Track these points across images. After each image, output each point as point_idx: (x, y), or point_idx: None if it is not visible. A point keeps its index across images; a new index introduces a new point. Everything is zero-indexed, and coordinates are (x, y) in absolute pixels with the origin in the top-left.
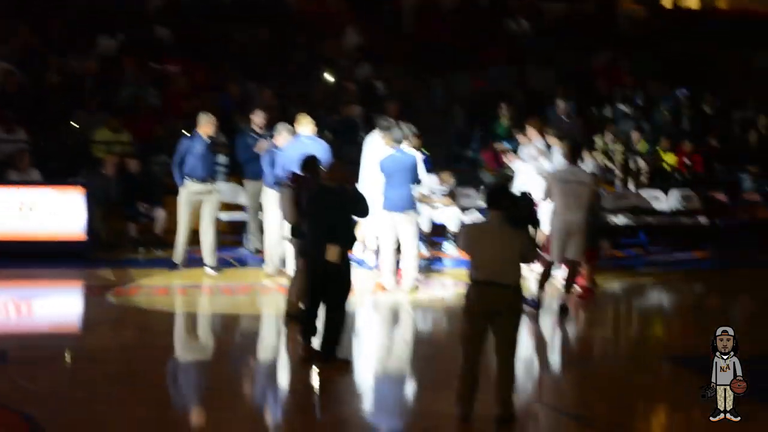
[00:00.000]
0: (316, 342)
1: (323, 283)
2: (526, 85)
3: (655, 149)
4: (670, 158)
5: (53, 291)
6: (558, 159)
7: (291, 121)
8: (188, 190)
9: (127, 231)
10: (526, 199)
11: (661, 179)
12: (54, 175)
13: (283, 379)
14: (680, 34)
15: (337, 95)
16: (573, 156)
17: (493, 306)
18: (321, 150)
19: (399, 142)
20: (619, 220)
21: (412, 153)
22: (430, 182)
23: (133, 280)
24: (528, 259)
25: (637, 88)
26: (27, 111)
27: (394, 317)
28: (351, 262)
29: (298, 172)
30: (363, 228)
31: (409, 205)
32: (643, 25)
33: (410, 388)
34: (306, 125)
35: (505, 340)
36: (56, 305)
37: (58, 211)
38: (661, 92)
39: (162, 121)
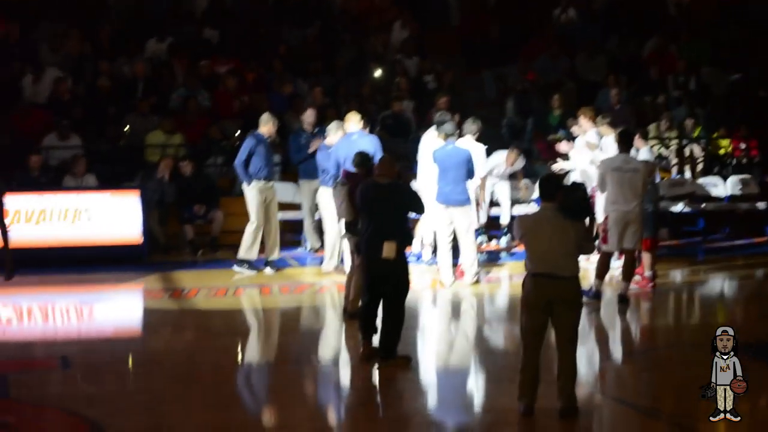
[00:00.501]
0: (375, 340)
1: (380, 281)
2: (576, 74)
3: (711, 135)
4: (725, 144)
5: (113, 295)
6: (611, 148)
7: (343, 119)
8: (257, 189)
9: (184, 234)
10: (580, 190)
11: (718, 165)
12: (109, 180)
13: (345, 378)
14: (730, 17)
15: (388, 91)
16: (624, 144)
17: (551, 298)
18: (371, 146)
19: (451, 135)
20: (677, 207)
21: (468, 147)
22: (495, 162)
23: (191, 282)
24: (584, 251)
25: (689, 74)
26: (80, 117)
27: (454, 312)
28: (407, 259)
29: (351, 169)
30: (420, 223)
31: (464, 198)
32: (692, 10)
33: (472, 384)
34: (355, 122)
35: (565, 333)
36: (116, 309)
37: (115, 216)
38: (715, 77)
39: (214, 122)
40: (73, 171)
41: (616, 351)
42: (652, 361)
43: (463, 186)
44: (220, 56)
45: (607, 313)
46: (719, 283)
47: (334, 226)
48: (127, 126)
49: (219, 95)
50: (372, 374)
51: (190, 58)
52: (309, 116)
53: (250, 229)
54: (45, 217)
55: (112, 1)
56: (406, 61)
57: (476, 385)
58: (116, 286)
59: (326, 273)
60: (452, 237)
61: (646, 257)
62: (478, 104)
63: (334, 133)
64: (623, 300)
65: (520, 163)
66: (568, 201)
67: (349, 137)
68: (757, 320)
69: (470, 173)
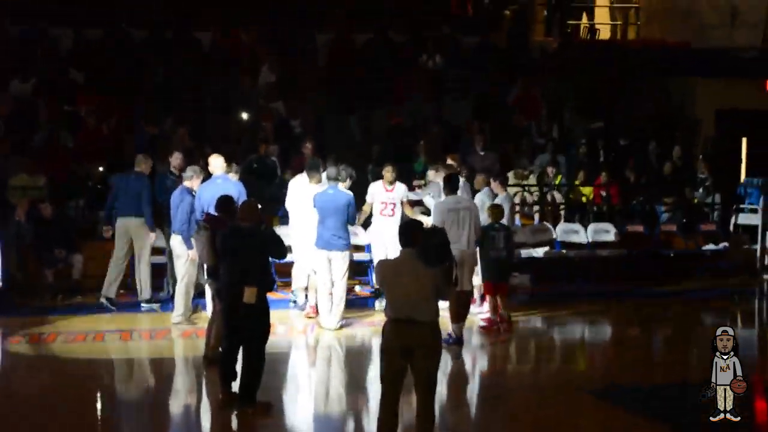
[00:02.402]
0: (235, 385)
1: (240, 326)
2: (442, 119)
3: (572, 182)
4: (586, 191)
5: None
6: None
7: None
8: None
9: (44, 277)
10: (439, 236)
11: (579, 212)
12: None
13: (204, 424)
14: (593, 66)
15: (254, 133)
16: (451, 187)
17: (410, 343)
18: (235, 190)
19: (333, 180)
20: (537, 253)
21: (347, 192)
22: (373, 191)
23: (50, 327)
24: (442, 295)
25: (552, 121)
26: None
27: (319, 357)
28: (268, 304)
29: (213, 213)
30: (296, 267)
31: (344, 243)
32: (555, 57)
33: (332, 429)
34: (219, 166)
35: (423, 378)
36: None
37: None
38: (576, 125)
39: (77, 163)
40: None
41: (476, 396)
42: (510, 405)
43: (343, 231)
44: (85, 96)
45: (466, 359)
46: (579, 329)
47: (183, 274)
48: None
49: (82, 136)
50: (231, 421)
51: (55, 98)
52: (176, 159)
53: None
54: None
55: None
56: (272, 105)
57: (336, 431)
58: None
59: (175, 323)
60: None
61: (490, 301)
62: (344, 148)
63: (192, 178)
64: (458, 341)
65: (402, 189)
66: (426, 246)
67: (213, 181)
68: (612, 366)
69: (351, 218)
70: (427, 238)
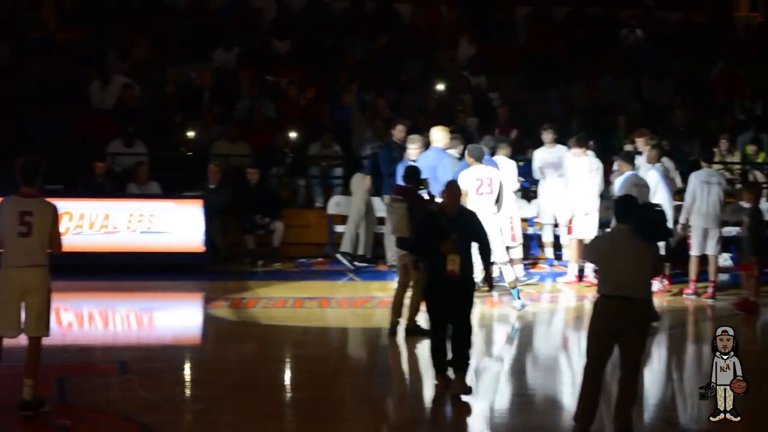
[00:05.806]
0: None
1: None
2: (641, 95)
3: None
4: None
5: (173, 303)
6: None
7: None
8: None
9: (245, 243)
10: (658, 212)
11: None
12: (173, 188)
13: (403, 392)
14: None
15: (451, 106)
16: (630, 164)
17: (623, 322)
18: (445, 164)
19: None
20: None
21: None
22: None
23: (251, 292)
24: (657, 272)
25: (756, 99)
26: (146, 124)
27: (515, 333)
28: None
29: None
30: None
31: None
32: (760, 33)
33: (530, 405)
34: (436, 138)
35: (631, 355)
36: (176, 317)
37: (177, 224)
38: None
39: (278, 133)
40: (137, 178)
41: (680, 375)
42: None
43: None
44: (286, 67)
45: (670, 336)
46: None
47: None
48: (192, 133)
49: (283, 106)
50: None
51: (257, 68)
52: (399, 131)
53: None
54: (108, 224)
55: (180, 8)
56: (471, 77)
57: (532, 407)
58: (177, 294)
59: None
60: None
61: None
62: (543, 122)
63: (412, 146)
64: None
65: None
66: (646, 223)
67: (427, 153)
68: None
69: None
70: (644, 214)
